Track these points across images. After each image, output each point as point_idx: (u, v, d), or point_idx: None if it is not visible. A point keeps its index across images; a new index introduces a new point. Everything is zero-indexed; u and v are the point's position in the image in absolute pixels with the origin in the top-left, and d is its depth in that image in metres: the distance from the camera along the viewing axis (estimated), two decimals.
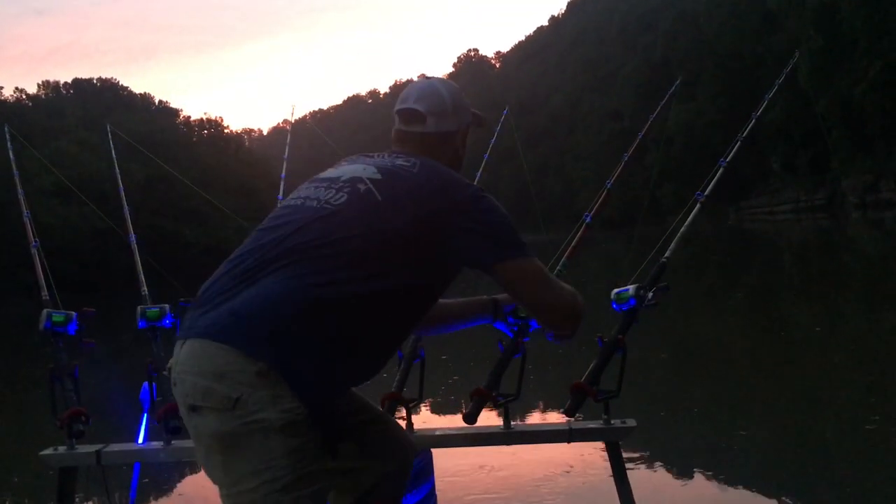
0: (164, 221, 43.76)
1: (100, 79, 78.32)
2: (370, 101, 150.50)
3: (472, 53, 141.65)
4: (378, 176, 1.71)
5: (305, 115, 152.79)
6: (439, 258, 1.69)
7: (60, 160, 42.89)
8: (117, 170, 3.53)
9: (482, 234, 1.68)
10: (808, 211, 50.72)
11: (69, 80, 77.81)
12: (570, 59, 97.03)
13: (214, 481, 1.57)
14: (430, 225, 1.64)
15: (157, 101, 76.91)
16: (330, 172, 1.81)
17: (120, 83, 79.17)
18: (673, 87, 3.69)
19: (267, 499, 1.48)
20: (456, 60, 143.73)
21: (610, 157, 74.77)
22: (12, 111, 58.59)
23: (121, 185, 3.45)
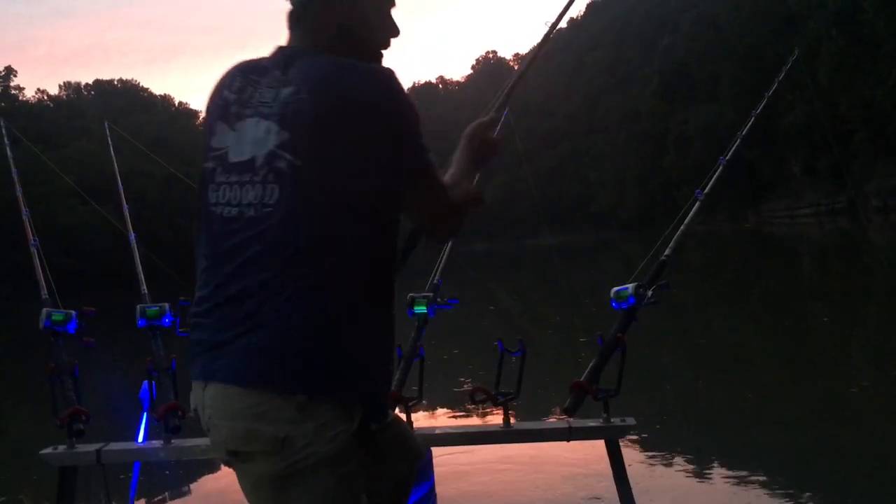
0: (184, 221, 44.26)
1: (121, 80, 79.28)
2: None
3: (491, 55, 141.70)
4: (285, 135, 1.51)
5: None
6: (392, 175, 1.56)
7: (82, 160, 43.35)
8: (116, 169, 3.53)
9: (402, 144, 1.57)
10: (828, 214, 50.18)
11: (90, 82, 78.79)
12: (588, 61, 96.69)
13: None
14: (363, 156, 1.51)
15: (177, 102, 77.63)
16: (234, 150, 1.58)
17: (140, 84, 79.97)
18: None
19: None
20: (474, 62, 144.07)
21: (628, 158, 74.92)
22: (34, 112, 59.32)
23: (119, 184, 3.47)
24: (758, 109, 3.49)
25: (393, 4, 1.73)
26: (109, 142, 3.83)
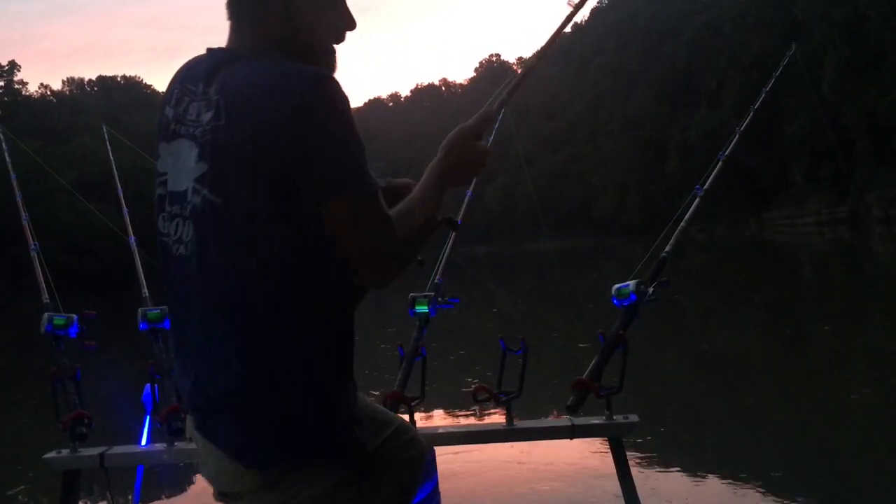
0: None
1: (124, 76, 79.35)
2: (391, 104, 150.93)
3: (494, 58, 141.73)
4: (203, 166, 1.33)
5: None
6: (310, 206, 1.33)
7: (85, 157, 43.33)
8: (115, 172, 3.52)
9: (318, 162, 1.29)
10: (830, 223, 50.20)
11: (93, 78, 78.86)
12: (592, 65, 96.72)
13: None
14: (280, 189, 1.28)
15: None
16: (171, 177, 1.42)
17: (144, 81, 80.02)
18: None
19: None
20: (478, 65, 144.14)
21: (630, 163, 74.92)
22: (37, 107, 59.33)
23: (119, 188, 3.45)
24: (756, 104, 3.50)
25: None
26: (108, 146, 3.82)
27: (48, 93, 70.11)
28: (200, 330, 1.38)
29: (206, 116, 1.34)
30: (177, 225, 1.39)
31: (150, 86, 79.92)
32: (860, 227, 44.97)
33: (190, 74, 1.43)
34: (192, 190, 1.35)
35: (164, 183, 1.43)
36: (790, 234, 50.39)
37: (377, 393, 2.59)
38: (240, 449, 1.37)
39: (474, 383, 2.60)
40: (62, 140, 49.27)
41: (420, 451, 1.77)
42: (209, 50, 1.46)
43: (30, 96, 63.60)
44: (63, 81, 78.38)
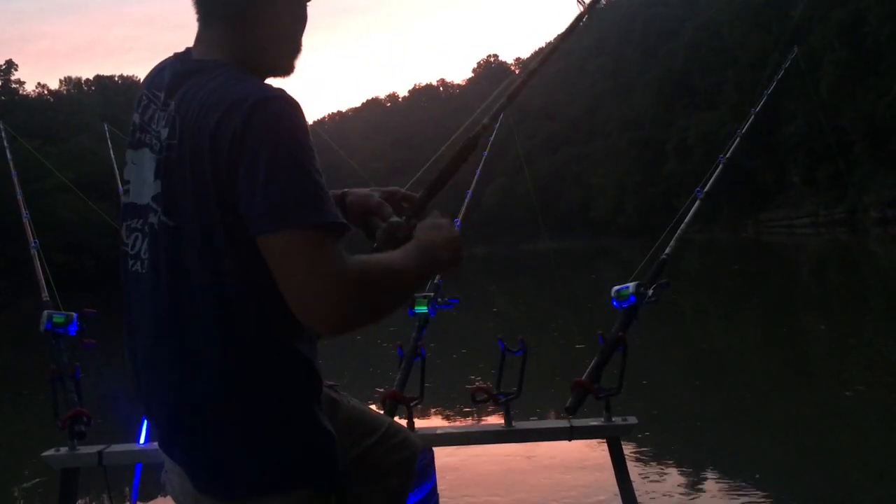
0: None
1: (122, 76, 79.28)
2: (388, 104, 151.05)
3: (492, 59, 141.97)
4: (158, 186, 1.28)
5: (324, 117, 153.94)
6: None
7: (82, 156, 43.32)
8: (116, 171, 3.51)
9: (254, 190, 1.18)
10: (827, 225, 50.28)
11: (91, 77, 78.81)
12: (590, 67, 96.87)
13: None
14: (229, 215, 1.21)
15: None
16: (133, 188, 1.37)
17: (141, 81, 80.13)
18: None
19: None
20: (475, 66, 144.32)
21: (629, 165, 74.95)
22: (34, 106, 59.26)
23: (120, 187, 3.43)
24: (757, 107, 3.50)
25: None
26: (109, 144, 3.81)
27: (45, 92, 70.04)
28: (153, 350, 1.33)
29: (164, 132, 1.28)
30: (135, 239, 1.35)
31: None
32: (858, 229, 45.08)
33: (155, 81, 1.38)
34: (148, 208, 1.30)
35: (128, 192, 1.38)
36: (788, 236, 50.52)
37: (381, 389, 2.59)
38: (195, 473, 1.33)
39: (477, 380, 2.59)
40: (59, 140, 49.22)
41: (412, 452, 1.71)
42: (176, 55, 1.40)
43: (27, 96, 63.56)
44: (60, 81, 78.24)
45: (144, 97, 1.37)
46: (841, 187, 49.68)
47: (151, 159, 1.31)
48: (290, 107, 1.22)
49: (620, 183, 76.77)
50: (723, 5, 66.11)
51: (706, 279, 20.64)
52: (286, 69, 1.44)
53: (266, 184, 1.16)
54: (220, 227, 1.22)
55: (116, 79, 79.05)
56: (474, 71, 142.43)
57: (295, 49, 1.44)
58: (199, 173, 1.21)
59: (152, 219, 1.29)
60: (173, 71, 1.34)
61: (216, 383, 1.27)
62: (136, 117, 1.38)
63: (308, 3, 1.45)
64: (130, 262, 1.36)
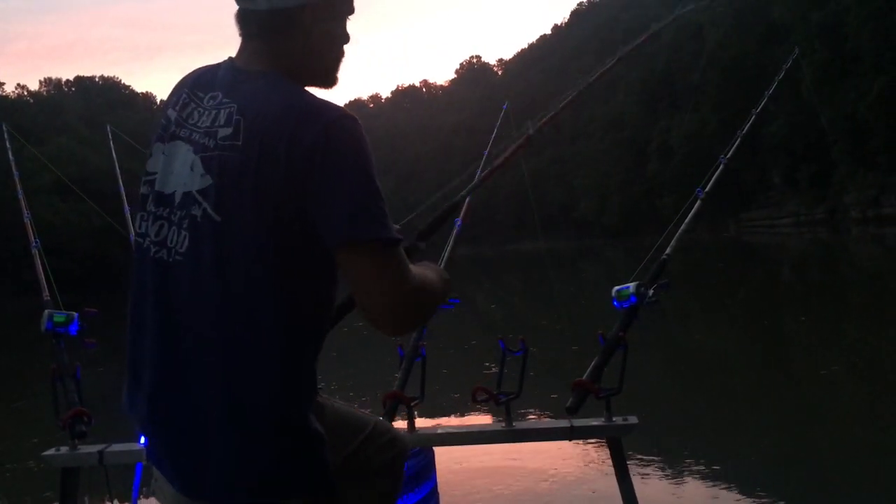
0: None
1: (102, 77, 78.79)
2: (371, 105, 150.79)
3: (475, 60, 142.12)
4: (208, 179, 1.31)
5: None
6: (311, 245, 1.32)
7: (60, 157, 42.94)
8: (118, 170, 3.50)
9: (335, 202, 1.27)
10: (808, 225, 50.73)
11: (71, 78, 78.14)
12: (572, 68, 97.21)
13: None
14: (286, 220, 1.28)
15: (158, 100, 77.20)
16: (161, 178, 1.40)
17: (122, 82, 79.45)
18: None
19: None
20: (458, 67, 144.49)
21: (611, 165, 75.25)
22: (13, 107, 58.70)
23: (121, 185, 3.43)
24: (758, 108, 3.54)
25: (351, 12, 1.51)
26: (112, 146, 3.81)
27: (25, 93, 69.40)
28: (169, 343, 1.34)
29: (224, 132, 1.32)
30: (160, 227, 1.36)
31: (129, 86, 79.53)
32: (838, 228, 45.48)
33: (201, 82, 1.43)
34: (189, 199, 1.33)
35: (152, 183, 1.40)
36: (769, 235, 50.86)
37: (380, 394, 2.58)
38: (189, 481, 1.34)
39: (470, 383, 2.60)
40: (39, 141, 48.79)
41: (400, 451, 1.71)
42: (231, 61, 1.44)
43: (6, 97, 62.94)
44: (40, 82, 77.70)
45: (184, 96, 1.43)
46: (822, 187, 50.16)
47: (188, 151, 1.35)
48: (360, 126, 1.32)
49: (604, 184, 77.06)
50: (702, 6, 66.51)
51: (701, 280, 20.71)
52: (330, 81, 1.51)
53: (349, 200, 1.26)
54: (268, 234, 1.28)
55: (97, 79, 78.52)
56: (457, 72, 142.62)
57: (337, 60, 1.50)
58: (266, 177, 1.26)
59: (195, 210, 1.32)
60: (230, 75, 1.41)
61: (267, 387, 1.31)
62: (171, 113, 1.43)
63: (349, 19, 1.51)
64: (153, 250, 1.37)
